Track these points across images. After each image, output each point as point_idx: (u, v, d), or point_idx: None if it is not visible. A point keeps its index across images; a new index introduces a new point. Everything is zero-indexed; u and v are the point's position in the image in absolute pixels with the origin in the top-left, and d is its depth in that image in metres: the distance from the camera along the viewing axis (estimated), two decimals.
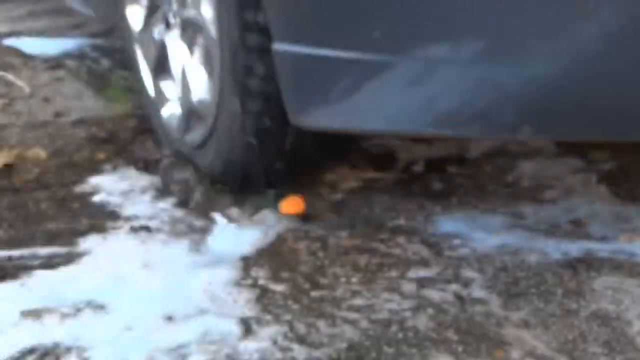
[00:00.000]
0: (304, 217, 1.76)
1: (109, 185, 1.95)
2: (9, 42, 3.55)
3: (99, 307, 1.45)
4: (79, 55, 3.29)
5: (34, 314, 1.42)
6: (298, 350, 1.29)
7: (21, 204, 1.86)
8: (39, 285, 1.52)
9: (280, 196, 1.78)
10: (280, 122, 1.59)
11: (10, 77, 2.93)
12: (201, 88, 1.82)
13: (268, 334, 1.34)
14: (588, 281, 1.47)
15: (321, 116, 1.48)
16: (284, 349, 1.30)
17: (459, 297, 1.44)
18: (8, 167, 2.05)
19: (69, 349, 1.33)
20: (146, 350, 1.31)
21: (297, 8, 1.43)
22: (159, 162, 2.05)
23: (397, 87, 1.36)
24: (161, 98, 2.02)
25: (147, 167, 2.04)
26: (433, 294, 1.45)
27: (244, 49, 1.58)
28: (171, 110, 1.99)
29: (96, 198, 1.89)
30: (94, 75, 2.99)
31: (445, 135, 1.45)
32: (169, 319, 1.40)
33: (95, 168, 2.05)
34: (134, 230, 1.73)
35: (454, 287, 1.48)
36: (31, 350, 1.33)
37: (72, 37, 3.64)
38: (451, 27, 1.30)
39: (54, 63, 3.13)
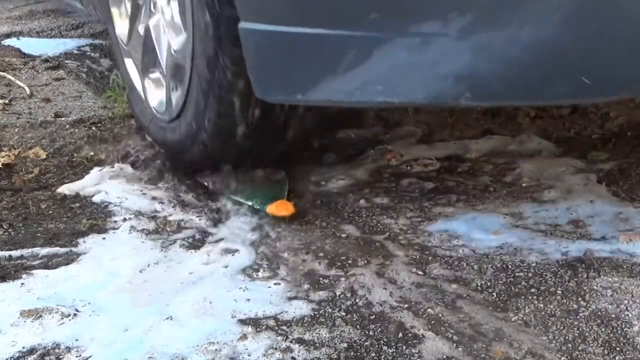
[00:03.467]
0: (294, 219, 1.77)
1: (109, 185, 1.95)
2: (9, 42, 3.55)
3: (99, 307, 1.45)
4: (79, 55, 3.30)
5: (34, 314, 1.42)
6: None
7: (21, 204, 1.86)
8: (39, 285, 1.52)
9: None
10: (247, 95, 1.65)
11: (10, 77, 2.93)
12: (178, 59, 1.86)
13: None
14: (588, 281, 1.47)
15: (280, 90, 1.55)
16: None
17: (460, 297, 1.44)
18: (8, 167, 2.05)
19: (69, 349, 1.33)
20: (145, 350, 1.31)
21: None
22: (156, 161, 2.06)
23: (348, 60, 1.40)
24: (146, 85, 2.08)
25: (146, 166, 2.04)
26: (430, 294, 1.46)
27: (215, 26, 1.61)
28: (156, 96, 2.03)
29: (96, 198, 1.89)
30: (94, 75, 2.99)
31: (393, 104, 1.47)
32: (169, 319, 1.41)
33: (94, 167, 2.05)
34: (134, 230, 1.73)
35: (454, 287, 1.48)
36: (31, 350, 1.33)
37: (72, 37, 3.64)
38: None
39: (54, 63, 3.13)
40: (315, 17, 1.41)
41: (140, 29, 2.01)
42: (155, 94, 2.01)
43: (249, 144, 1.81)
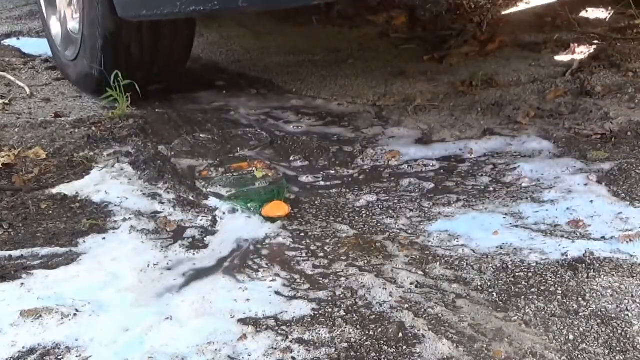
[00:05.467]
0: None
1: (109, 185, 1.95)
2: (9, 42, 3.55)
3: (99, 307, 1.45)
4: None
5: (34, 314, 1.42)
6: None
7: (21, 204, 1.86)
8: (39, 285, 1.52)
9: None
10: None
11: (10, 77, 2.93)
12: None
13: None
14: (588, 281, 1.47)
15: (132, 8, 2.23)
16: None
17: (460, 297, 1.44)
18: (8, 167, 2.05)
19: (69, 349, 1.33)
20: (145, 350, 1.31)
21: None
22: (157, 161, 2.06)
23: None
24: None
25: (146, 166, 2.04)
26: (430, 294, 1.46)
27: None
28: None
29: (96, 198, 1.89)
30: None
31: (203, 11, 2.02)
32: (169, 319, 1.41)
33: (94, 167, 2.05)
34: (134, 230, 1.73)
35: (454, 287, 1.48)
36: (31, 350, 1.33)
37: None
38: None
39: (54, 63, 3.13)
40: None
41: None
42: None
43: (132, 48, 2.46)
